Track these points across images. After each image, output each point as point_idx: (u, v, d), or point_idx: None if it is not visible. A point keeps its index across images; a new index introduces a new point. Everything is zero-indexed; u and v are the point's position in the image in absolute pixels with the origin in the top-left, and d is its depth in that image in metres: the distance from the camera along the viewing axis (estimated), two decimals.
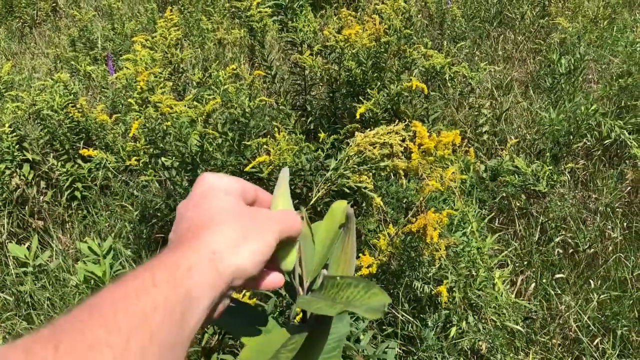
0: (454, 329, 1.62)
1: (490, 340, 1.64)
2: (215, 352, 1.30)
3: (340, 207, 0.85)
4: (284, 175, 0.64)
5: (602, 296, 2.06)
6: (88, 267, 1.63)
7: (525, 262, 2.26)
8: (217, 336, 1.40)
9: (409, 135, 1.91)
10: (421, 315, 1.74)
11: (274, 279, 0.59)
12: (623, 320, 1.90)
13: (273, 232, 0.53)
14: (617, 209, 2.53)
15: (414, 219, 1.62)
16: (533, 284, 2.06)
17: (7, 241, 2.61)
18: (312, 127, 3.01)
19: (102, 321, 0.40)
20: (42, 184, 3.01)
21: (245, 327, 0.78)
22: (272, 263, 0.58)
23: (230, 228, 0.49)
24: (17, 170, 2.90)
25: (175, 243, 0.48)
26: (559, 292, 2.09)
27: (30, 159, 3.00)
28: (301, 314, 0.84)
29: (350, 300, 0.67)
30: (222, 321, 0.76)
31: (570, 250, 2.32)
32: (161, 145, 2.33)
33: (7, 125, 2.87)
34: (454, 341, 1.64)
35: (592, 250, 2.31)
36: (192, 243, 0.47)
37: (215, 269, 0.46)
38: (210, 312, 0.48)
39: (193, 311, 0.44)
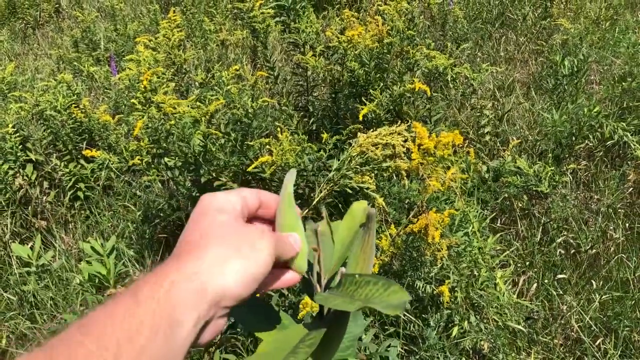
0: (456, 329, 1.63)
1: (492, 340, 1.64)
2: (218, 350, 1.30)
3: (361, 207, 0.85)
4: (291, 178, 0.63)
5: (604, 297, 2.06)
6: (93, 266, 1.63)
7: (527, 263, 2.26)
8: (219, 334, 1.41)
9: (411, 136, 1.92)
10: (423, 315, 1.74)
11: (288, 278, 0.60)
12: (625, 321, 1.91)
13: (265, 251, 0.52)
14: (619, 210, 2.53)
15: (416, 219, 1.62)
16: (535, 285, 2.06)
17: (10, 241, 2.62)
18: (314, 128, 3.01)
19: (93, 338, 0.41)
20: (45, 184, 3.02)
21: (259, 323, 0.79)
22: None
23: (216, 249, 0.49)
24: (21, 170, 2.91)
25: (166, 261, 0.49)
26: (561, 292, 2.09)
27: (34, 159, 3.01)
28: (314, 312, 0.84)
29: (369, 297, 0.67)
30: (237, 316, 0.77)
31: (572, 251, 2.33)
32: (164, 145, 2.33)
33: (10, 125, 2.88)
34: (456, 341, 1.64)
35: (594, 251, 2.31)
36: (177, 264, 0.47)
37: (196, 290, 0.46)
38: (201, 332, 0.48)
39: (178, 329, 0.44)
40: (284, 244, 0.57)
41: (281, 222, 0.61)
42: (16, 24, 5.80)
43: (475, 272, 1.66)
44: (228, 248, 0.50)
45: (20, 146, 2.93)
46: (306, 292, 0.83)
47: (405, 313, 1.73)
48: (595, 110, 2.61)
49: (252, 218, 0.60)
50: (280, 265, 0.59)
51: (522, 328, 1.68)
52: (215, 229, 0.51)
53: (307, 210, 2.14)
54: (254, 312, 0.80)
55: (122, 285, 1.10)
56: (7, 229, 2.70)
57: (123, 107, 3.44)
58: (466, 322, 1.63)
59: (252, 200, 0.57)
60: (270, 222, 0.62)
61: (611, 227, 2.44)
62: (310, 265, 0.76)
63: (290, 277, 0.61)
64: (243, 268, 0.49)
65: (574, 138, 2.69)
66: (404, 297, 0.62)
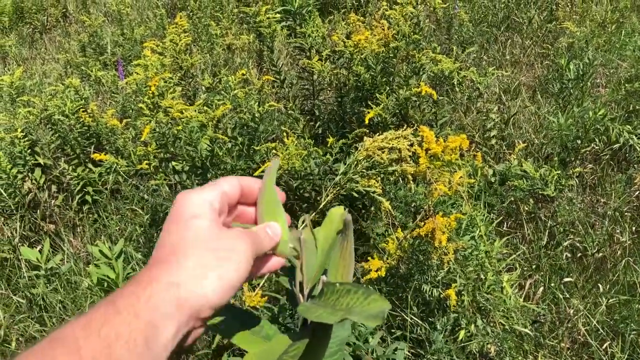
0: (462, 332, 1.63)
1: (499, 344, 1.65)
2: (226, 352, 1.32)
3: (338, 213, 0.86)
4: (274, 166, 0.62)
5: (610, 300, 2.06)
6: (101, 270, 1.65)
7: (534, 266, 2.26)
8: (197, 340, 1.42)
9: (417, 140, 1.93)
10: (430, 319, 1.75)
11: (272, 264, 0.60)
12: (632, 325, 1.91)
13: (243, 256, 0.51)
14: (626, 213, 2.53)
15: (422, 223, 1.63)
16: (541, 288, 2.06)
17: (19, 244, 2.64)
18: (320, 132, 3.03)
19: (65, 350, 0.41)
20: (54, 188, 3.04)
21: (238, 328, 0.80)
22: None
23: (194, 258, 0.48)
24: (29, 174, 2.94)
25: (144, 269, 0.49)
26: (567, 296, 2.10)
27: (42, 163, 3.03)
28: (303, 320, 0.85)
29: (350, 307, 0.68)
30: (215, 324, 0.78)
31: (579, 254, 2.33)
32: (172, 149, 2.35)
33: (19, 130, 2.90)
34: (462, 344, 1.65)
35: (601, 254, 2.31)
36: (156, 272, 0.47)
37: (174, 300, 0.45)
38: (181, 341, 0.47)
39: (157, 339, 0.44)
40: (262, 238, 0.56)
41: (261, 212, 0.60)
42: (24, 29, 5.84)
43: (482, 276, 1.66)
44: (206, 257, 0.49)
45: (29, 150, 2.95)
46: (290, 302, 0.84)
47: (412, 316, 1.74)
48: (600, 113, 2.61)
49: (236, 204, 0.59)
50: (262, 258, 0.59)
51: (528, 331, 1.68)
52: (191, 236, 0.50)
53: (314, 214, 2.15)
54: (232, 318, 0.81)
55: None
56: (16, 232, 2.72)
57: (130, 111, 3.47)
58: (473, 325, 1.63)
59: (233, 192, 0.57)
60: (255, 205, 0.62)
61: (618, 231, 2.44)
62: (293, 274, 0.77)
63: (274, 263, 0.61)
64: (222, 277, 0.48)
65: (579, 141, 2.69)
66: (384, 305, 0.63)
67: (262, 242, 0.56)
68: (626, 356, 1.81)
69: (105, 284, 1.61)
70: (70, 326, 0.43)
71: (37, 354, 0.41)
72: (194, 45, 4.44)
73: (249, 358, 0.73)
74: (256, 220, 0.61)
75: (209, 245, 0.49)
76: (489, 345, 1.62)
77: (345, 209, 0.79)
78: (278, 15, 3.21)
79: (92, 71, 3.95)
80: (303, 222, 0.77)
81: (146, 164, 2.32)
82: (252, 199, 0.60)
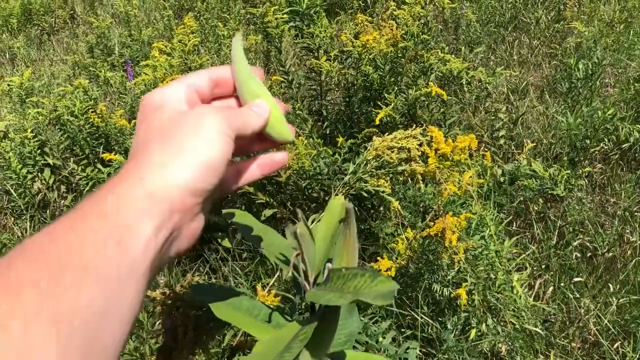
0: (473, 331, 1.63)
1: (509, 343, 1.64)
2: (240, 352, 1.32)
3: (339, 203, 0.87)
4: (237, 40, 0.56)
5: (621, 300, 2.05)
6: None
7: (543, 266, 2.25)
8: (240, 336, 1.43)
9: (426, 140, 1.93)
10: (440, 318, 1.75)
11: (277, 159, 0.55)
12: None
13: (212, 128, 0.45)
14: (636, 213, 2.52)
15: (432, 223, 1.63)
16: (551, 288, 2.06)
17: None
18: (327, 132, 3.03)
19: (26, 262, 0.35)
20: (63, 188, 3.06)
21: (219, 302, 0.82)
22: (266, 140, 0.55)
23: (157, 148, 0.44)
24: (39, 174, 2.95)
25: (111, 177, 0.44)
26: (578, 295, 2.09)
27: (51, 163, 3.05)
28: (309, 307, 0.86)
29: (358, 289, 0.69)
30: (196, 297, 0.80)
31: (589, 254, 2.32)
32: None
33: (29, 130, 2.92)
34: (473, 343, 1.65)
35: (611, 254, 2.30)
36: (122, 173, 0.43)
37: (145, 197, 0.41)
38: (172, 242, 0.43)
39: (132, 240, 0.39)
40: (246, 115, 0.51)
41: (242, 93, 0.54)
42: (32, 30, 5.87)
43: (492, 275, 1.66)
44: (169, 143, 0.44)
45: (39, 151, 2.97)
46: (296, 290, 0.85)
47: (423, 316, 1.74)
48: (610, 112, 2.60)
49: (211, 101, 0.54)
50: (262, 144, 0.55)
51: (539, 330, 1.68)
52: (156, 126, 0.46)
53: (322, 213, 2.16)
54: (210, 293, 0.83)
55: None
56: (26, 232, 2.73)
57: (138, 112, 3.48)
58: (484, 324, 1.63)
59: (201, 83, 0.51)
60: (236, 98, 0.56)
61: (628, 231, 2.43)
62: (295, 266, 0.78)
63: (279, 158, 0.55)
64: (191, 158, 0.43)
65: (588, 141, 2.69)
66: (392, 285, 0.63)
67: (247, 119, 0.50)
68: (638, 355, 1.80)
69: None
70: (33, 238, 0.37)
71: None
72: (202, 46, 4.46)
73: (259, 346, 0.74)
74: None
75: (172, 131, 0.45)
76: (499, 345, 1.62)
77: (346, 198, 0.80)
78: (285, 15, 3.22)
79: (101, 72, 3.97)
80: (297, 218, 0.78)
81: None
82: (229, 89, 0.54)
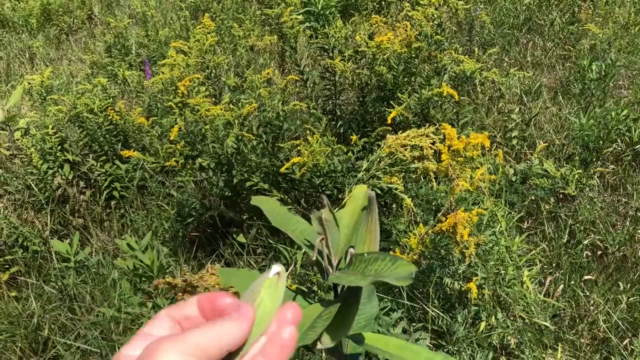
0: (483, 324, 1.66)
1: (518, 336, 1.67)
2: None
3: (362, 191, 0.92)
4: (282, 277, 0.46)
5: (631, 299, 2.07)
6: (137, 256, 1.71)
7: (554, 264, 2.28)
8: None
9: (439, 139, 1.96)
10: (451, 312, 1.78)
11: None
12: None
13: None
14: None
15: (444, 218, 1.66)
16: (561, 286, 2.08)
17: (49, 237, 2.73)
18: (341, 131, 3.07)
19: None
20: (82, 184, 3.13)
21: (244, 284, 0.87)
22: None
23: None
24: (59, 170, 3.03)
25: None
26: (587, 294, 2.11)
27: (71, 159, 3.12)
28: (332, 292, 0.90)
29: (379, 272, 0.73)
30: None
31: (599, 253, 2.34)
32: (199, 146, 2.41)
33: (50, 127, 2.99)
34: (483, 335, 1.68)
35: (622, 253, 2.32)
36: None
37: None
38: None
39: None
40: (219, 328, 0.39)
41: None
42: (51, 30, 5.97)
43: (502, 271, 1.69)
44: None
45: (59, 147, 3.04)
46: (320, 274, 0.89)
47: (434, 309, 1.78)
48: (623, 113, 2.62)
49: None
50: None
51: (548, 325, 1.71)
52: None
53: (337, 209, 2.20)
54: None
55: (165, 275, 1.17)
56: (46, 226, 2.80)
57: (156, 110, 3.54)
58: (493, 317, 1.66)
59: (172, 318, 0.42)
60: None
61: (639, 231, 2.44)
62: (319, 251, 0.82)
63: (288, 338, 0.42)
64: None
65: (601, 142, 2.70)
66: (411, 268, 0.68)
67: (220, 334, 0.39)
68: None
69: (141, 270, 1.67)
70: None
71: None
72: (218, 46, 4.52)
73: None
74: None
75: None
76: (509, 337, 1.65)
77: (368, 187, 0.84)
78: (300, 16, 3.27)
79: (120, 71, 4.04)
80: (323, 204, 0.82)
81: (174, 161, 2.39)
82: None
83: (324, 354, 1.83)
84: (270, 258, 2.50)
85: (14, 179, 3.06)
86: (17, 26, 6.15)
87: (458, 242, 1.59)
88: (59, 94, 3.66)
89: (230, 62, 4.31)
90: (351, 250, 0.82)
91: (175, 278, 0.99)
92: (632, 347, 1.86)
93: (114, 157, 3.13)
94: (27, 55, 5.47)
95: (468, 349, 1.65)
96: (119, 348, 2.03)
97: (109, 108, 3.11)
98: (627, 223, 2.48)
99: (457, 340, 1.67)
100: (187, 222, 2.67)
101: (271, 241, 2.52)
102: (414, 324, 1.81)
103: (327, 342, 0.84)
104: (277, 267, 0.44)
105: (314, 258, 0.83)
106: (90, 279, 2.42)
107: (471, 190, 1.65)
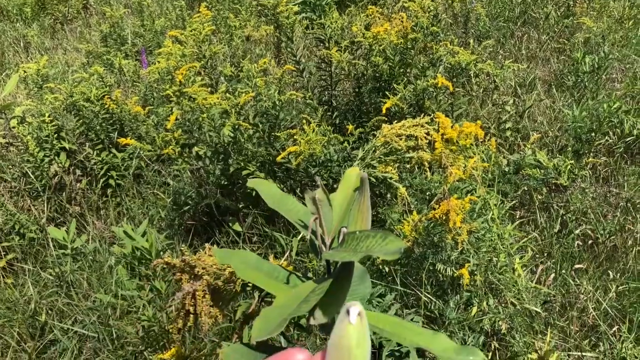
0: (475, 309, 1.69)
1: (509, 321, 1.71)
2: (247, 326, 1.39)
3: (354, 173, 0.95)
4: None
5: (620, 287, 2.11)
6: (136, 240, 1.73)
7: (546, 253, 2.31)
8: (254, 307, 1.49)
9: (434, 129, 1.99)
10: (443, 298, 1.81)
11: None
12: None
13: None
14: (638, 205, 2.57)
15: (438, 206, 1.69)
16: (552, 275, 2.12)
17: (46, 225, 2.74)
18: (337, 122, 3.09)
19: None
20: (78, 172, 3.14)
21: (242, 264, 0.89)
22: None
23: None
24: (55, 158, 3.03)
25: None
26: (578, 282, 2.15)
27: (67, 148, 3.12)
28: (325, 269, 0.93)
29: (370, 248, 0.76)
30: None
31: (590, 242, 2.38)
32: (196, 135, 2.43)
33: (47, 114, 3.00)
34: (475, 319, 1.71)
35: (612, 243, 2.36)
36: None
37: None
38: None
39: None
40: None
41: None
42: (45, 20, 5.95)
43: (494, 258, 1.72)
44: None
45: (55, 135, 3.05)
46: (313, 253, 0.92)
47: (427, 294, 1.81)
48: (615, 106, 2.65)
49: None
50: None
51: (539, 310, 1.74)
52: None
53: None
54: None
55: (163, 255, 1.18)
56: (43, 213, 2.82)
57: (152, 99, 3.55)
58: (485, 303, 1.69)
59: None
60: None
61: (630, 220, 2.48)
62: (313, 231, 0.84)
63: None
64: None
65: (593, 134, 2.73)
66: (400, 244, 0.71)
67: None
68: (633, 336, 1.86)
69: (139, 253, 1.69)
70: None
71: None
72: (214, 36, 4.52)
73: (280, 298, 0.81)
74: None
75: None
76: (500, 323, 1.68)
77: (360, 168, 0.87)
78: (296, 7, 3.28)
79: (116, 60, 4.05)
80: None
81: (172, 149, 2.40)
82: None
83: (318, 338, 1.87)
84: (266, 246, 2.53)
85: (10, 167, 3.07)
86: (11, 15, 6.13)
87: (451, 229, 1.62)
88: (55, 82, 3.66)
89: (226, 52, 4.32)
90: (343, 229, 0.85)
91: (174, 259, 1.02)
92: (620, 334, 1.90)
93: (110, 146, 3.14)
94: (21, 44, 5.46)
95: (460, 332, 1.69)
96: (116, 333, 2.06)
97: (106, 97, 3.12)
98: (618, 213, 2.52)
99: (449, 325, 1.71)
100: (183, 210, 2.69)
101: (267, 229, 2.55)
102: (407, 310, 1.84)
103: (320, 317, 0.87)
104: (355, 309, 0.38)
105: (308, 237, 0.85)
106: (87, 266, 2.43)
107: (464, 178, 1.68)
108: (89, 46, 4.77)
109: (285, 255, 1.96)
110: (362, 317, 0.38)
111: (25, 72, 3.68)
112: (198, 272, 1.03)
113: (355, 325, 0.38)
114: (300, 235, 2.39)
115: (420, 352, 1.53)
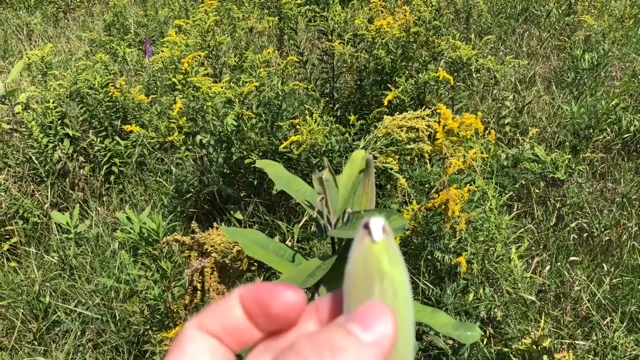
0: (471, 295, 1.74)
1: (505, 309, 1.75)
2: None
3: (360, 155, 0.98)
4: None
5: (614, 280, 2.15)
6: (145, 219, 1.77)
7: (542, 246, 2.36)
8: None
9: (435, 121, 2.03)
10: (440, 285, 1.86)
11: None
12: (633, 300, 2.00)
13: None
14: (634, 201, 2.61)
15: (437, 195, 1.73)
16: (548, 267, 2.16)
17: (49, 210, 2.78)
18: (338, 114, 3.13)
19: None
20: (81, 158, 3.17)
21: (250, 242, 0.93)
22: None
23: None
24: (59, 144, 3.07)
25: None
26: (573, 274, 2.19)
27: (71, 134, 3.16)
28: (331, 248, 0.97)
29: None
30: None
31: (585, 235, 2.42)
32: (200, 123, 2.46)
33: (51, 101, 3.03)
34: (471, 306, 1.76)
35: (607, 237, 2.40)
36: None
37: None
38: None
39: None
40: (335, 340, 0.26)
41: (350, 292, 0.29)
42: (48, 8, 5.96)
43: (491, 247, 1.76)
44: None
45: (59, 121, 3.08)
46: (319, 231, 0.96)
47: (424, 282, 1.85)
48: (613, 103, 2.69)
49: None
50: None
51: (534, 299, 1.78)
52: None
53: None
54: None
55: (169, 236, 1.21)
56: (46, 198, 2.85)
57: (155, 88, 3.58)
58: (481, 290, 1.74)
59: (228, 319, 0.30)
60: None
61: (625, 215, 2.52)
62: (319, 211, 0.88)
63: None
64: None
65: (591, 130, 2.77)
66: (403, 221, 0.75)
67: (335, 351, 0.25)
68: (624, 325, 1.90)
69: (146, 233, 1.73)
70: None
71: None
72: (217, 27, 4.54)
73: (287, 273, 0.85)
74: None
75: None
76: (495, 310, 1.73)
77: (365, 151, 0.91)
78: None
79: (120, 48, 4.07)
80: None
81: (176, 137, 2.44)
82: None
83: None
84: (267, 234, 2.56)
85: (14, 152, 3.10)
86: (14, 2, 6.14)
87: (449, 217, 1.66)
88: (59, 70, 3.69)
89: (229, 43, 4.34)
90: (348, 209, 0.89)
91: (184, 237, 1.06)
92: (612, 325, 1.95)
93: (114, 133, 3.17)
94: (24, 32, 5.48)
95: (456, 318, 1.73)
96: (119, 315, 2.10)
97: (110, 84, 3.15)
98: (614, 208, 2.56)
99: (446, 310, 1.75)
100: (186, 198, 2.73)
101: (267, 218, 2.59)
102: None
103: (324, 293, 0.91)
104: (378, 221, 0.28)
105: (315, 216, 0.89)
106: (89, 250, 2.47)
107: (463, 168, 1.72)
108: (92, 35, 4.79)
109: (288, 241, 2.00)
110: (387, 232, 0.28)
111: (29, 59, 3.71)
112: (207, 249, 1.06)
113: (380, 243, 0.28)
114: (302, 223, 2.43)
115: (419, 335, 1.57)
